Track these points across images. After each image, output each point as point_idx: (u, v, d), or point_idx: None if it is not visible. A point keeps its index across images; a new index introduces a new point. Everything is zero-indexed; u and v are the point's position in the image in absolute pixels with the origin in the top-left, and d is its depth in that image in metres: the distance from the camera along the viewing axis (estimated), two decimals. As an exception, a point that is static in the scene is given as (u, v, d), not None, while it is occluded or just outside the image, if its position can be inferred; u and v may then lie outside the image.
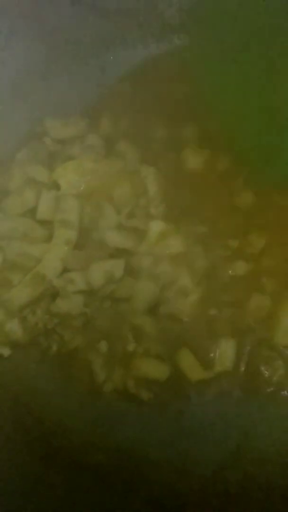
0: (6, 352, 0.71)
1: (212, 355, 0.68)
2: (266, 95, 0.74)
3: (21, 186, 0.77)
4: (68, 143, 0.81)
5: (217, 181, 0.76)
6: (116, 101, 0.82)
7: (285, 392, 0.67)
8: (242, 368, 0.68)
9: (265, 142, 0.74)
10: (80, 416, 0.67)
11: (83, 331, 0.71)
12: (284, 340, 0.67)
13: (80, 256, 0.70)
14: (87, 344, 0.70)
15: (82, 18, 0.82)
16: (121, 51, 0.85)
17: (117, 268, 0.70)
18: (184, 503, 0.62)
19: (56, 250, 0.70)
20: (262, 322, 0.69)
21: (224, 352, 0.68)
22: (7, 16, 0.80)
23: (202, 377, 0.67)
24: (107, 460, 0.64)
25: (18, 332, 0.70)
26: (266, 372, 0.68)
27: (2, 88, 0.82)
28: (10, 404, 0.69)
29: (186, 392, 0.67)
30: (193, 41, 0.83)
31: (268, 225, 0.73)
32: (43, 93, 0.84)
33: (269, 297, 0.70)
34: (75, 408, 0.68)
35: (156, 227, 0.72)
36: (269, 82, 0.73)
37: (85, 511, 0.61)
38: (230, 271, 0.71)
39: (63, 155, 0.80)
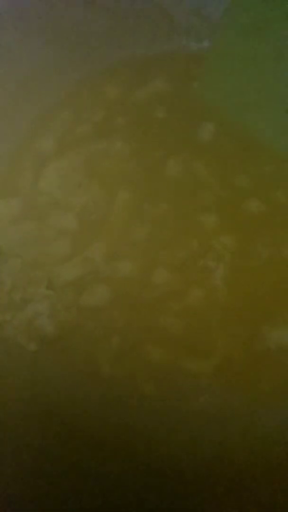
0: (32, 347, 0.71)
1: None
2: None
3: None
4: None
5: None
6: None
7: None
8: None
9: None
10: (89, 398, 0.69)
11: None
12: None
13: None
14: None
15: (95, 19, 0.85)
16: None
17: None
18: (190, 478, 0.64)
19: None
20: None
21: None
22: (24, 17, 0.82)
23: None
24: (115, 439, 0.66)
25: (48, 328, 0.71)
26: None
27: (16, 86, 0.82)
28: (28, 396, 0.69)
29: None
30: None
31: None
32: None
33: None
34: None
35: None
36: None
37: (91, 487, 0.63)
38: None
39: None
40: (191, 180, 0.77)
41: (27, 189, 0.76)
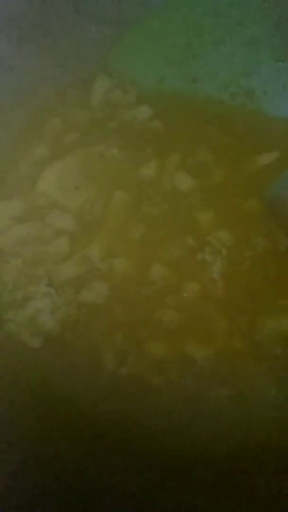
0: (36, 344, 0.73)
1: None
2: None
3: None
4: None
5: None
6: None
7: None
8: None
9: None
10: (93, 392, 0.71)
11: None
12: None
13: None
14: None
15: (84, 26, 0.88)
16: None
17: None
18: (188, 466, 0.67)
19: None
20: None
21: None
22: (16, 25, 0.84)
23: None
24: (114, 430, 0.69)
25: (49, 324, 0.73)
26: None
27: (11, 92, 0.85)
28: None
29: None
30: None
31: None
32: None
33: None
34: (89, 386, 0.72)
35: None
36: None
37: (93, 477, 0.66)
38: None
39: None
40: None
41: (26, 191, 0.78)
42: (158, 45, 0.91)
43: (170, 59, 0.91)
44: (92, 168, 0.80)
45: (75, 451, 0.68)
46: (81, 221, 0.78)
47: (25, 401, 0.71)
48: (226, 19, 0.89)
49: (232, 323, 0.73)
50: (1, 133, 0.83)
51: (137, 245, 0.77)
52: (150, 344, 0.73)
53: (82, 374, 0.72)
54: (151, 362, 0.72)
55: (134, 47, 0.91)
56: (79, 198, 0.78)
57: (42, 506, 0.63)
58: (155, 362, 0.72)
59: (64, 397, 0.71)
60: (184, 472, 0.67)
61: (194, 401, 0.71)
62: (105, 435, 0.69)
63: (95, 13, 0.87)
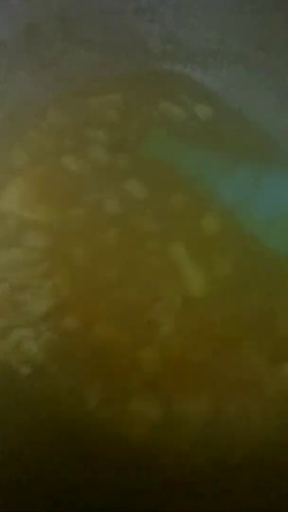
0: (25, 371, 0.72)
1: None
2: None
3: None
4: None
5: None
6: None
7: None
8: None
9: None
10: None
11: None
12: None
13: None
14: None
15: (73, 51, 0.89)
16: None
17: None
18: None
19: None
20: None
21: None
22: (7, 51, 0.86)
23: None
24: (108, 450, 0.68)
25: (34, 350, 0.73)
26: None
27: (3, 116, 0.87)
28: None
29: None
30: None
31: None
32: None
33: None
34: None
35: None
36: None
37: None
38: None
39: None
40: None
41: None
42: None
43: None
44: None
45: (66, 471, 0.66)
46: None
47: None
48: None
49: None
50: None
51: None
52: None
53: (70, 398, 0.71)
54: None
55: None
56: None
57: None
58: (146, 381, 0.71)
59: (54, 420, 0.70)
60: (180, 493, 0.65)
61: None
62: (99, 455, 0.68)
63: (83, 38, 0.88)
